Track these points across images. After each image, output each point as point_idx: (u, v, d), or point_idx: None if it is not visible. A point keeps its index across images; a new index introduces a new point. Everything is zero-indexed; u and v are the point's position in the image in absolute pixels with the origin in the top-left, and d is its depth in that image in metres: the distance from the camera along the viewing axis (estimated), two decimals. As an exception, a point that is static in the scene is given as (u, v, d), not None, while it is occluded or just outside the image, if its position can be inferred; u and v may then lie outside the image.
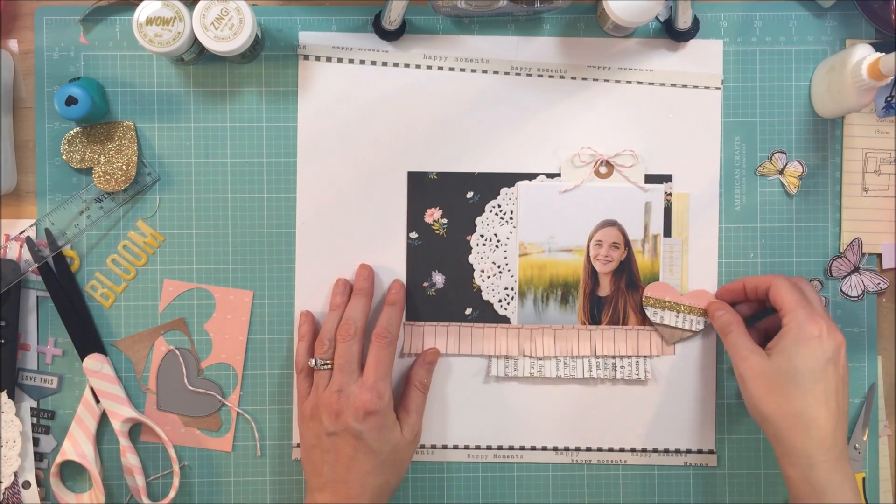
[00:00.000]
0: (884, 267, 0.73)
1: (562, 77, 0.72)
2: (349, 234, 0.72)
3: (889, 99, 0.72)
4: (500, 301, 0.72)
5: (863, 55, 0.65)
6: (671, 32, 0.72)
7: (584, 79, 0.72)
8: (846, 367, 0.64)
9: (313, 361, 0.67)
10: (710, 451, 0.73)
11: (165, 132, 0.72)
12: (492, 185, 0.72)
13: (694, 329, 0.71)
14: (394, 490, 0.67)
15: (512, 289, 0.72)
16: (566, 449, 0.73)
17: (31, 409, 0.71)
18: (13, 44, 0.72)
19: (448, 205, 0.72)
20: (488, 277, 0.72)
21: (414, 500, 0.73)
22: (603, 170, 0.72)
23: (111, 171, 0.70)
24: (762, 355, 0.64)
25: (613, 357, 0.72)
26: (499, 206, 0.72)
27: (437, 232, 0.73)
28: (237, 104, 0.72)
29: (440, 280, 0.72)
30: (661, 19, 0.72)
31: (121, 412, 0.70)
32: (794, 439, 0.62)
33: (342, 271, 0.72)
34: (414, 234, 0.72)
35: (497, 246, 0.73)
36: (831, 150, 0.73)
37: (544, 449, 0.73)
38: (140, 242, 0.72)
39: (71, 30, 0.71)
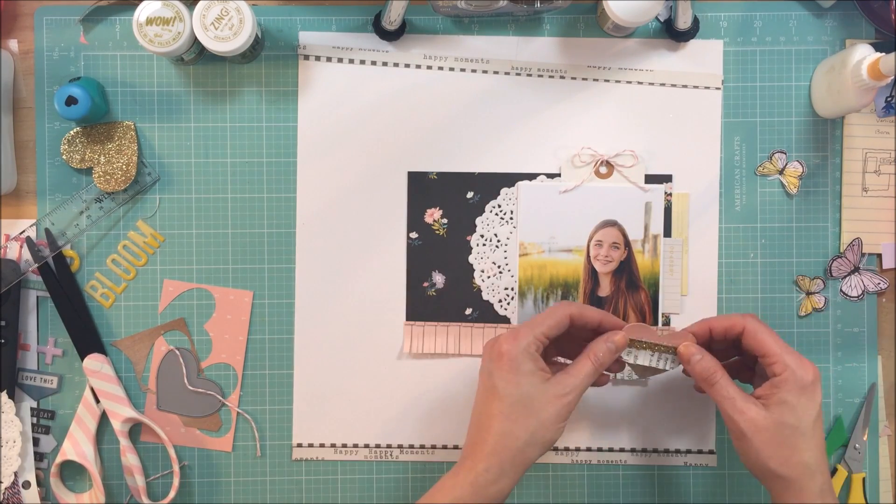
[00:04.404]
0: (884, 267, 0.73)
1: (562, 77, 0.72)
2: (349, 234, 0.72)
3: (889, 99, 0.72)
4: (500, 301, 0.72)
5: (863, 55, 0.65)
6: (671, 32, 0.72)
7: (584, 79, 0.72)
8: None
9: None
10: (710, 452, 0.73)
11: (165, 132, 0.72)
12: (492, 185, 0.72)
13: (668, 368, 0.66)
14: (529, 448, 0.60)
15: (512, 289, 0.72)
16: (566, 449, 0.73)
17: (31, 409, 0.71)
18: (13, 44, 0.72)
19: (448, 205, 0.72)
20: (488, 277, 0.72)
21: (414, 500, 0.73)
22: (603, 170, 0.72)
23: (111, 171, 0.70)
24: (759, 406, 0.60)
25: (613, 357, 0.72)
26: (499, 206, 0.72)
27: (437, 232, 0.73)
28: (237, 104, 0.72)
29: (440, 280, 0.72)
30: (661, 19, 0.72)
31: (121, 412, 0.70)
32: (804, 488, 0.60)
33: (342, 271, 0.72)
34: (414, 234, 0.72)
35: (497, 246, 0.73)
36: (831, 150, 0.73)
37: (544, 449, 0.73)
38: (140, 242, 0.72)
39: (71, 30, 0.71)
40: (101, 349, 0.71)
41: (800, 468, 0.60)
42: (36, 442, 0.71)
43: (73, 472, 0.72)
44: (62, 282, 0.71)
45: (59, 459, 0.70)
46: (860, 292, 0.73)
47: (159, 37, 0.65)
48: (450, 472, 0.62)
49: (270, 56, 0.72)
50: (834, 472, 0.73)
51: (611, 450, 0.73)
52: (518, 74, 0.72)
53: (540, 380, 0.61)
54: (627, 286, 0.72)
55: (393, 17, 0.69)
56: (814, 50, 0.73)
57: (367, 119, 0.72)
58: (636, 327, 0.65)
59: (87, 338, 0.71)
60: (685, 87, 0.72)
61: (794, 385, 0.59)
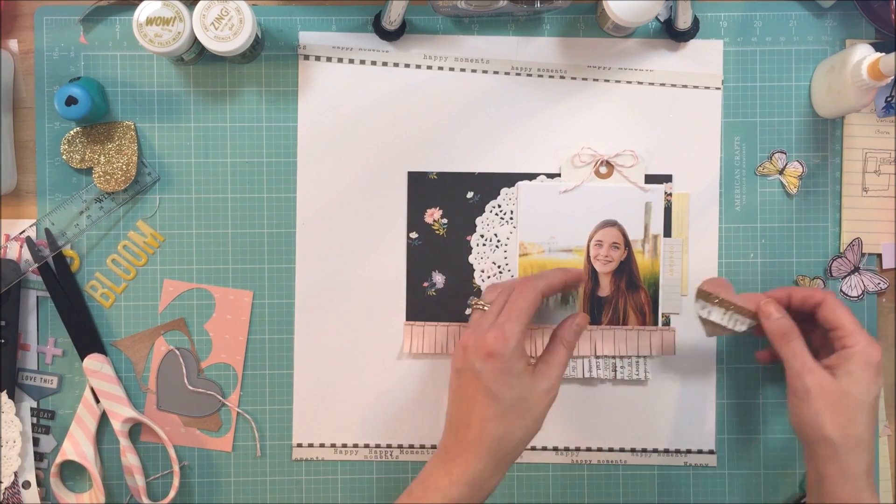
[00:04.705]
0: (884, 267, 0.73)
1: (562, 77, 0.72)
2: (349, 234, 0.72)
3: (889, 99, 0.72)
4: (500, 301, 0.72)
5: (863, 55, 0.65)
6: (671, 32, 0.72)
7: (584, 79, 0.72)
8: None
9: (474, 300, 0.66)
10: (710, 452, 0.73)
11: (165, 132, 0.72)
12: (492, 185, 0.72)
13: (737, 329, 0.66)
14: (521, 444, 0.62)
15: (512, 289, 0.72)
16: (566, 449, 0.73)
17: (31, 409, 0.71)
18: (13, 44, 0.72)
19: (448, 205, 0.72)
20: (488, 277, 0.72)
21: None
22: (603, 170, 0.72)
23: (111, 171, 0.70)
24: (827, 373, 0.62)
25: (613, 357, 0.72)
26: (499, 206, 0.72)
27: (437, 232, 0.73)
28: (237, 104, 0.72)
29: (440, 280, 0.72)
30: (661, 19, 0.72)
31: (121, 412, 0.70)
32: (852, 461, 0.61)
33: (342, 271, 0.72)
34: (414, 234, 0.72)
35: (497, 246, 0.73)
36: (831, 150, 0.73)
37: (544, 449, 0.73)
38: (140, 242, 0.72)
39: (71, 30, 0.71)
40: (101, 349, 0.71)
41: (853, 440, 0.61)
42: (36, 442, 0.71)
43: (73, 472, 0.72)
44: (62, 282, 0.71)
45: (59, 459, 0.70)
46: (860, 292, 0.73)
47: (159, 37, 0.65)
48: (440, 470, 0.61)
49: (270, 56, 0.72)
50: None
51: (611, 450, 0.73)
52: (518, 74, 0.72)
53: (529, 377, 0.61)
54: (627, 286, 0.72)
55: (393, 17, 0.69)
56: (814, 50, 0.73)
57: (367, 119, 0.72)
58: (715, 281, 0.67)
59: (87, 338, 0.71)
60: (685, 87, 0.72)
61: (863, 359, 0.61)
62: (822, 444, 0.62)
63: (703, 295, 0.66)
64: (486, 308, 0.64)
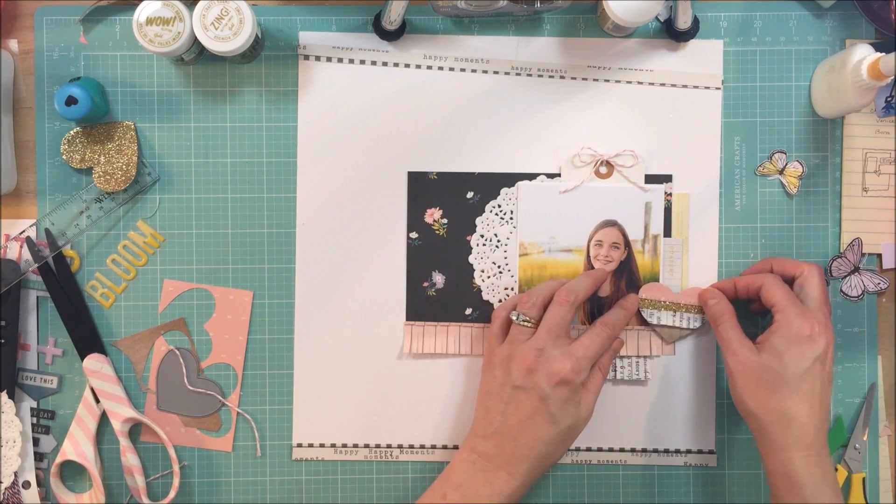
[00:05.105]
0: (884, 267, 0.73)
1: (562, 77, 0.72)
2: (349, 234, 0.72)
3: (889, 99, 0.72)
4: (500, 301, 0.72)
5: (863, 55, 0.65)
6: (671, 32, 0.72)
7: (584, 79, 0.72)
8: (832, 365, 0.65)
9: (515, 315, 0.66)
10: (710, 451, 0.73)
11: (165, 132, 0.72)
12: (492, 185, 0.72)
13: (692, 327, 0.71)
14: (556, 461, 0.66)
15: (512, 289, 0.72)
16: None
17: (31, 409, 0.71)
18: (13, 44, 0.72)
19: (448, 205, 0.72)
20: (488, 277, 0.72)
21: (414, 500, 0.73)
22: (603, 170, 0.72)
23: (111, 171, 0.70)
24: (752, 350, 0.64)
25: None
26: (499, 206, 0.72)
27: (437, 232, 0.73)
28: (237, 104, 0.72)
29: (440, 280, 0.72)
30: (661, 19, 0.72)
31: (121, 412, 0.70)
32: (777, 434, 0.63)
33: (342, 271, 0.72)
34: (414, 234, 0.72)
35: (497, 246, 0.73)
36: (831, 150, 0.73)
37: (544, 449, 0.73)
38: (140, 242, 0.72)
39: (71, 30, 0.71)
40: (101, 349, 0.71)
41: (776, 413, 0.63)
42: (36, 442, 0.71)
43: (73, 472, 0.72)
44: (62, 282, 0.71)
45: (59, 459, 0.70)
46: (860, 292, 0.73)
47: (159, 37, 0.65)
48: (479, 478, 0.64)
49: (270, 56, 0.72)
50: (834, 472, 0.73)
51: (611, 450, 0.73)
52: (518, 74, 0.72)
53: (578, 406, 0.65)
54: (627, 286, 0.72)
55: (393, 17, 0.69)
56: (814, 50, 0.73)
57: (367, 119, 0.72)
58: (653, 286, 0.69)
59: (87, 338, 0.71)
60: (685, 87, 0.72)
61: (786, 333, 0.63)
62: (750, 419, 0.65)
63: (647, 303, 0.69)
64: (526, 324, 0.66)
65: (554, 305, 0.66)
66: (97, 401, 0.71)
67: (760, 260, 0.71)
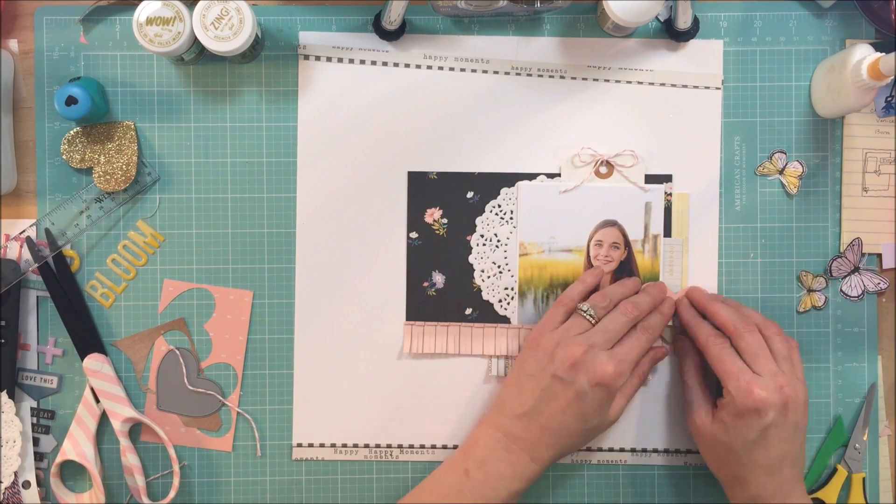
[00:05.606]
0: (884, 267, 0.73)
1: (562, 77, 0.72)
2: (349, 234, 0.72)
3: (889, 99, 0.72)
4: (500, 301, 0.72)
5: (863, 55, 0.65)
6: (671, 32, 0.72)
7: (584, 79, 0.72)
8: (801, 417, 0.64)
9: (585, 306, 0.67)
10: (710, 451, 0.73)
11: (165, 132, 0.72)
12: (492, 185, 0.72)
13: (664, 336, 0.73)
14: (565, 455, 0.67)
15: (512, 289, 0.72)
16: (566, 449, 0.73)
17: (31, 409, 0.71)
18: (13, 44, 0.72)
19: (448, 205, 0.72)
20: (488, 277, 0.72)
21: (414, 500, 0.73)
22: (603, 170, 0.72)
23: (111, 170, 0.70)
24: (708, 414, 0.66)
25: (613, 357, 0.72)
26: (499, 206, 0.72)
27: (437, 232, 0.73)
28: (237, 104, 0.72)
29: (440, 280, 0.72)
30: (661, 19, 0.72)
31: (121, 412, 0.70)
32: (736, 494, 0.65)
33: (342, 271, 0.72)
34: (414, 234, 0.73)
35: (497, 246, 0.73)
36: (831, 150, 0.73)
37: (544, 449, 0.73)
38: (140, 242, 0.72)
39: (71, 30, 0.71)
40: (101, 349, 0.71)
41: (728, 477, 0.66)
42: (36, 442, 0.71)
43: (73, 472, 0.72)
44: (62, 282, 0.71)
45: (59, 459, 0.70)
46: (860, 292, 0.73)
47: (159, 37, 0.65)
48: (503, 457, 0.64)
49: (270, 56, 0.72)
50: (834, 472, 0.73)
51: (611, 450, 0.73)
52: (518, 74, 0.72)
53: (610, 410, 0.66)
54: (627, 286, 0.72)
55: (393, 17, 0.69)
56: (814, 50, 0.73)
57: (367, 119, 0.72)
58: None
59: (87, 338, 0.71)
60: (685, 87, 0.72)
61: (731, 409, 0.64)
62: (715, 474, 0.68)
63: None
64: (589, 316, 0.66)
65: (617, 314, 0.66)
66: (97, 401, 0.71)
67: (732, 303, 0.69)
